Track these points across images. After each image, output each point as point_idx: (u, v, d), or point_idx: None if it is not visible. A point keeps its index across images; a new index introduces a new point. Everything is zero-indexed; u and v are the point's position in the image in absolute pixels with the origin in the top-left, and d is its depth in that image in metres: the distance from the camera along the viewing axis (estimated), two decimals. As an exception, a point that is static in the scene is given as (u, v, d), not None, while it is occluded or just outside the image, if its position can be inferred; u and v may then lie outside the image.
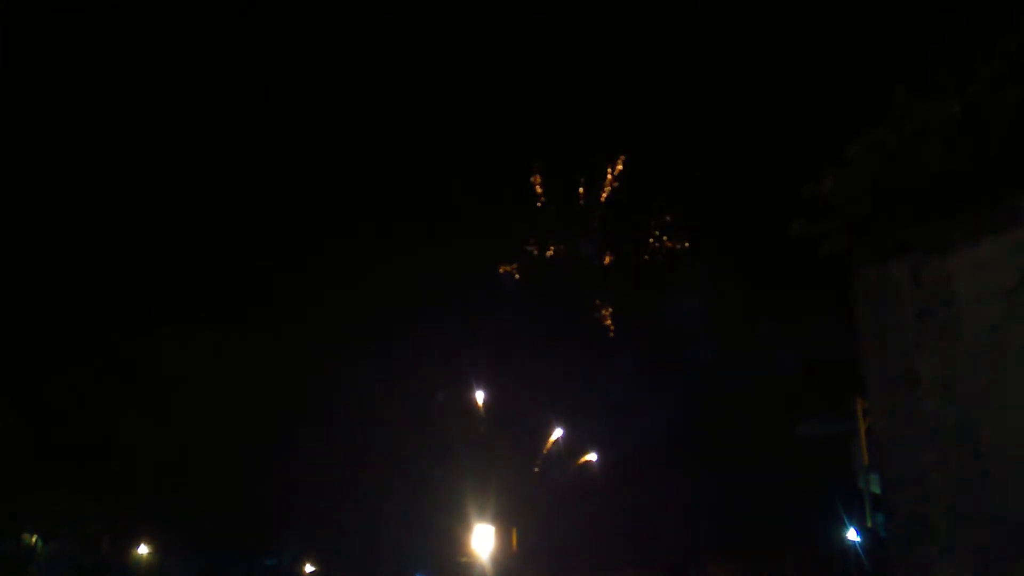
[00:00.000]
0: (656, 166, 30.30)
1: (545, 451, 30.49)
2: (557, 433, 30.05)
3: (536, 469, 30.16)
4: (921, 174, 3.93)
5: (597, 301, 31.25)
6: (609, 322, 31.13)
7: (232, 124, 30.01)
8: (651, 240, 31.60)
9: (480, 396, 29.80)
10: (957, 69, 3.89)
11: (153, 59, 28.40)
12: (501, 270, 32.28)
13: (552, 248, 31.53)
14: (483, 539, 24.31)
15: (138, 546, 31.90)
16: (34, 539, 28.09)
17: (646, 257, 31.53)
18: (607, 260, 32.07)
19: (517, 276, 31.87)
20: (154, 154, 29.70)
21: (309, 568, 35.50)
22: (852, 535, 24.64)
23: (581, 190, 31.40)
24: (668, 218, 30.30)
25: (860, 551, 20.60)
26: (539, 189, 31.80)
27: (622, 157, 30.75)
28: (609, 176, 31.11)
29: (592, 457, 30.39)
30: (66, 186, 27.43)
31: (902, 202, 4.01)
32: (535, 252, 32.20)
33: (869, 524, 14.41)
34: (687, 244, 31.04)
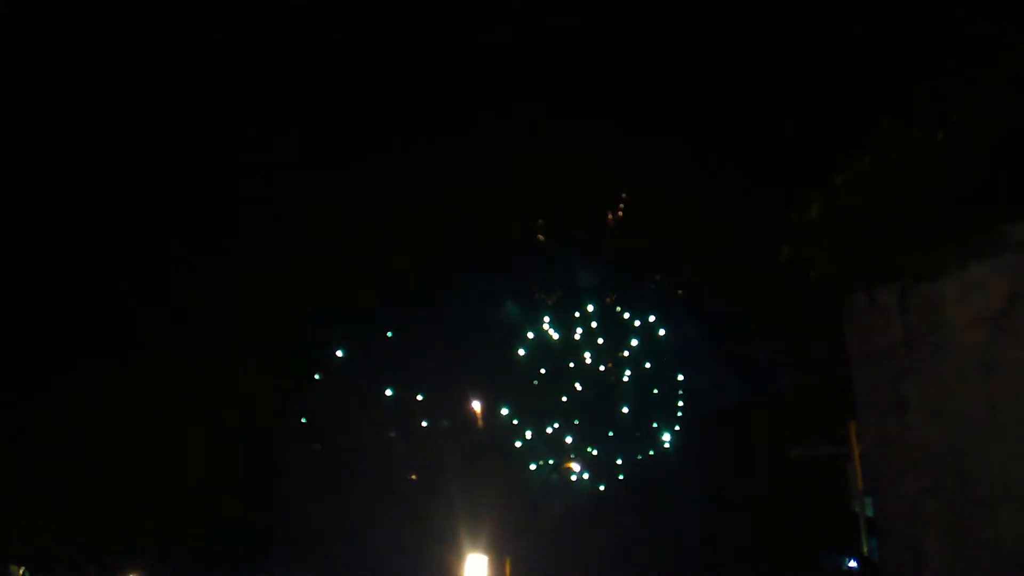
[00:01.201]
0: (650, 198, 30.48)
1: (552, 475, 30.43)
2: (576, 467, 30.07)
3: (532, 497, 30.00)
4: (907, 201, 3.99)
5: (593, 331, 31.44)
6: (609, 363, 31.27)
7: (225, 138, 29.63)
8: (652, 285, 31.81)
9: (478, 420, 29.71)
10: (941, 98, 3.96)
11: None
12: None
13: (553, 297, 31.63)
14: (476, 569, 24.06)
15: (126, 577, 31.45)
16: (21, 571, 27.68)
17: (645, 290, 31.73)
18: (608, 300, 32.24)
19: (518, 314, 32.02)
20: (135, 178, 29.46)
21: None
22: (847, 560, 24.50)
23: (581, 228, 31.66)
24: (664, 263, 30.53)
25: (856, 577, 20.46)
26: (541, 237, 31.91)
27: (621, 205, 30.97)
28: (609, 217, 31.34)
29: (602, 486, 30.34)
30: (49, 213, 27.26)
31: (889, 228, 4.06)
32: (536, 295, 32.36)
33: (864, 550, 14.31)
34: (681, 292, 31.26)
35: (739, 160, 25.39)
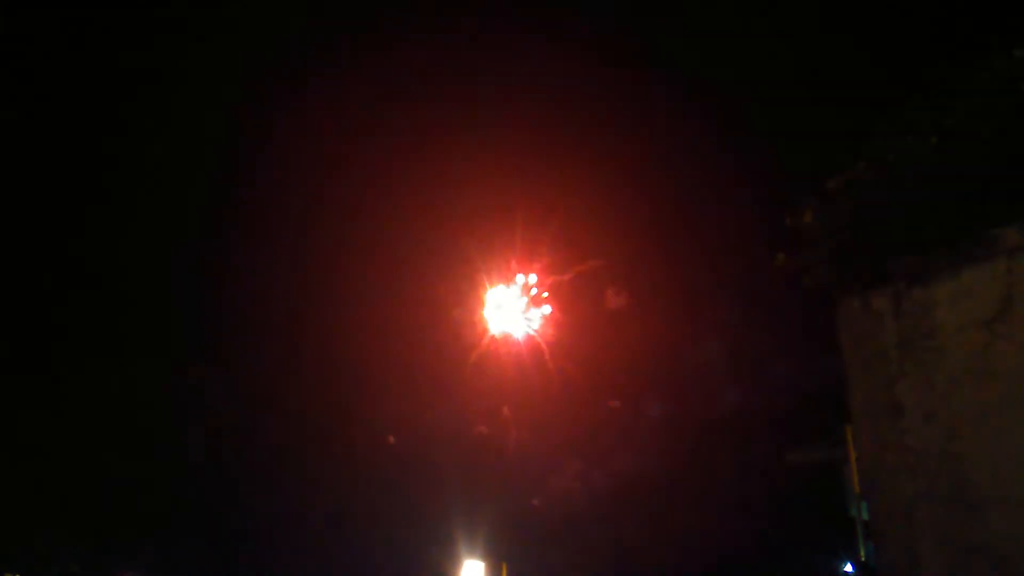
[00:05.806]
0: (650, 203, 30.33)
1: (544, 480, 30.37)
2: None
3: (532, 501, 29.92)
4: (900, 206, 4.00)
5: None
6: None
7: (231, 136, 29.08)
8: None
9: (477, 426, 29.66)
10: (933, 104, 3.98)
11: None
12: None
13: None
14: (472, 575, 24.03)
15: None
16: (14, 577, 27.55)
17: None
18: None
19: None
20: (136, 183, 29.17)
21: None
22: (844, 564, 24.46)
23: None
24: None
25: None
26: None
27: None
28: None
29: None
30: (45, 219, 27.05)
31: (882, 234, 4.07)
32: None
33: (861, 554, 14.29)
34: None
35: (735, 165, 25.41)
